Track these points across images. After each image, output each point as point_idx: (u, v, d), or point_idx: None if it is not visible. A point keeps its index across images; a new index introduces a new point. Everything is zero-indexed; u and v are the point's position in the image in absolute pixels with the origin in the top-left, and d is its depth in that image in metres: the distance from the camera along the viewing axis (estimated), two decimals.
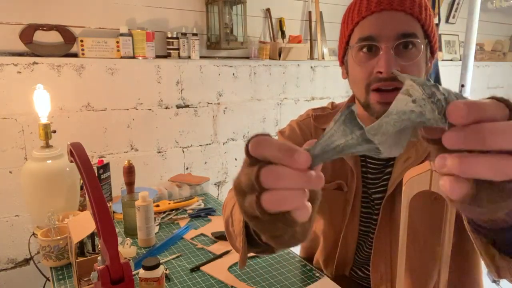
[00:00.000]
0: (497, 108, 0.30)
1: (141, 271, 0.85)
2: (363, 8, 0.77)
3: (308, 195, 0.36)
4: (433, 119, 0.31)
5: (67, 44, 1.87)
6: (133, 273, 0.91)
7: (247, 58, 2.44)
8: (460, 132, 0.29)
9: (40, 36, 1.82)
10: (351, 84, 0.84)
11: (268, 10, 2.48)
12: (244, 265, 0.63)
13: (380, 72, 0.73)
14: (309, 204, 0.36)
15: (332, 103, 1.01)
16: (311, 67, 2.63)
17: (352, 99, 0.91)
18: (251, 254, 1.10)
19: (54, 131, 1.24)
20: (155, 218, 1.27)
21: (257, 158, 0.36)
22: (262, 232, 0.39)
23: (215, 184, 2.41)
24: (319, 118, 0.96)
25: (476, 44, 2.70)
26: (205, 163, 2.34)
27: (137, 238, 1.16)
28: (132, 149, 2.07)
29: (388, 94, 0.75)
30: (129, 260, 0.97)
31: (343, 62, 0.87)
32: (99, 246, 0.94)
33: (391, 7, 0.74)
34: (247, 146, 0.37)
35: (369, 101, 0.77)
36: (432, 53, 0.82)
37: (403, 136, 0.34)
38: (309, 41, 2.67)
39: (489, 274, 0.48)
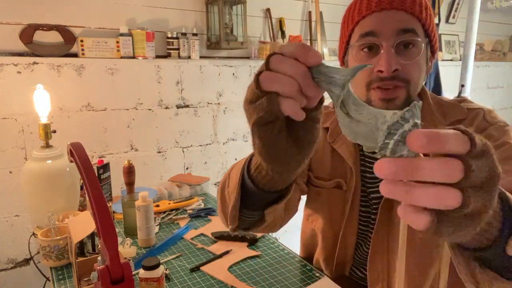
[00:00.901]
0: (458, 141, 0.31)
1: (141, 271, 0.85)
2: (363, 8, 0.77)
3: (304, 102, 0.42)
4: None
5: (67, 44, 1.87)
6: (133, 273, 0.91)
7: (247, 58, 2.44)
8: (392, 163, 0.31)
9: (40, 36, 1.82)
10: (351, 83, 0.84)
11: (268, 10, 2.48)
12: (235, 222, 0.65)
13: (381, 71, 0.74)
14: (301, 110, 0.41)
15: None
16: None
17: None
18: (251, 254, 1.09)
19: (54, 131, 1.24)
20: (155, 218, 1.27)
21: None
22: (249, 112, 0.46)
23: (215, 184, 2.41)
24: None
25: (476, 44, 2.70)
26: (205, 163, 2.34)
27: (137, 238, 1.16)
28: (132, 149, 2.07)
29: (389, 91, 0.75)
30: (129, 260, 0.97)
31: (343, 62, 0.87)
32: (99, 246, 0.94)
33: (391, 7, 0.74)
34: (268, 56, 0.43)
35: (370, 99, 0.78)
36: (433, 52, 0.82)
37: (360, 132, 0.37)
38: (309, 41, 2.67)
39: None
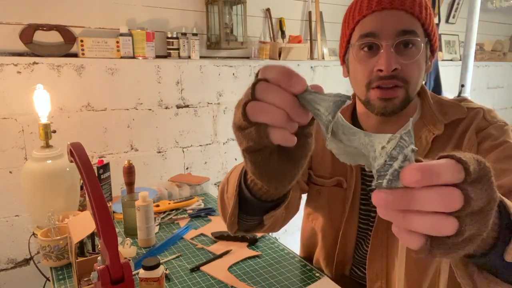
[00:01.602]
0: (452, 172, 0.31)
1: (141, 271, 0.85)
2: (364, 7, 0.78)
3: (294, 128, 0.40)
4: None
5: (67, 44, 1.87)
6: (133, 273, 0.91)
7: (247, 58, 2.44)
8: (389, 194, 0.31)
9: (40, 36, 1.82)
10: (352, 82, 0.85)
11: (268, 10, 2.48)
12: (234, 228, 0.66)
13: (381, 70, 0.75)
14: (291, 136, 0.40)
15: None
16: (311, 67, 2.63)
17: (353, 98, 0.92)
18: (251, 254, 1.09)
19: (54, 131, 1.24)
20: (155, 218, 1.27)
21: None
22: (239, 138, 0.44)
23: (215, 184, 2.41)
24: None
25: (476, 44, 2.70)
26: (205, 163, 2.34)
27: (137, 238, 1.16)
28: (132, 149, 2.07)
29: (388, 91, 0.76)
30: (129, 260, 0.97)
31: (344, 61, 0.87)
32: (99, 246, 0.94)
33: (391, 6, 0.75)
34: (257, 72, 0.42)
35: (369, 98, 0.78)
36: (432, 52, 0.83)
37: (355, 155, 0.37)
38: (309, 41, 2.67)
39: None
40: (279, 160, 0.47)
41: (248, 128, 0.42)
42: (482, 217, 0.33)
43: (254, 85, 0.40)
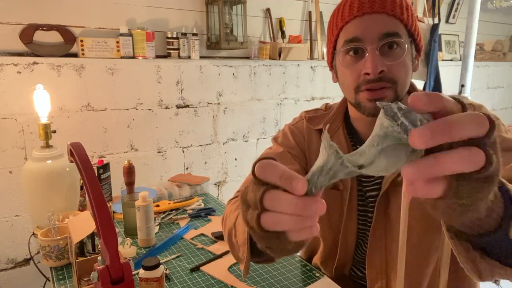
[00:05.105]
0: (474, 124, 0.32)
1: (141, 271, 0.85)
2: (346, 13, 0.79)
3: (314, 220, 0.40)
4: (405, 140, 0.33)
5: (67, 44, 1.87)
6: (133, 273, 0.91)
7: (247, 58, 2.44)
8: (426, 129, 0.31)
9: (40, 36, 1.82)
10: (341, 87, 0.86)
11: (268, 10, 2.48)
12: (247, 274, 0.66)
13: (368, 74, 0.76)
14: (310, 225, 0.40)
15: (326, 104, 1.02)
16: (311, 67, 2.63)
17: (345, 101, 0.92)
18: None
19: (54, 131, 1.24)
20: (155, 218, 1.27)
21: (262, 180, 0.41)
22: (258, 241, 0.45)
23: (215, 184, 2.41)
24: (312, 119, 0.97)
25: (476, 44, 2.70)
26: (205, 163, 2.34)
27: (137, 238, 1.16)
28: (132, 149, 2.07)
29: (377, 92, 0.77)
30: (129, 260, 0.97)
31: (332, 66, 0.88)
32: (99, 246, 0.94)
33: (372, 10, 0.76)
34: (253, 168, 0.42)
35: (359, 100, 0.79)
36: (418, 51, 0.83)
37: (391, 158, 0.35)
38: (309, 41, 2.67)
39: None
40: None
41: (267, 234, 0.42)
42: (498, 151, 0.34)
43: (262, 196, 0.40)
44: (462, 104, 0.34)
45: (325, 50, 2.71)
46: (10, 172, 1.78)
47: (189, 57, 2.16)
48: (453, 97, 0.35)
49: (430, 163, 0.32)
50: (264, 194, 0.40)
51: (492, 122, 0.32)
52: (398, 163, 0.34)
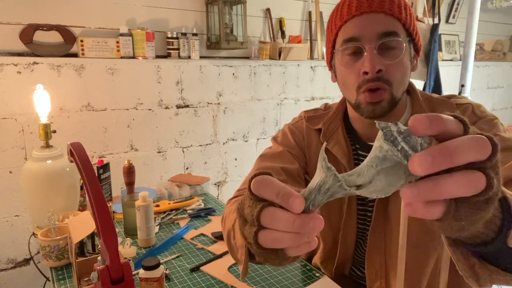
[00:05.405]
0: (476, 147, 0.31)
1: (141, 271, 0.85)
2: (344, 13, 0.79)
3: (312, 235, 0.40)
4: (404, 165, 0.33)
5: (67, 44, 1.87)
6: (133, 273, 0.92)
7: (247, 58, 2.44)
8: (427, 155, 0.31)
9: (40, 36, 1.82)
10: (340, 87, 0.86)
11: (268, 10, 2.48)
12: (245, 276, 0.66)
13: (366, 73, 0.76)
14: (308, 240, 0.40)
15: (325, 104, 1.02)
16: (311, 67, 2.63)
17: (344, 101, 0.92)
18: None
19: (54, 131, 1.24)
20: (155, 218, 1.27)
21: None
22: (256, 255, 0.45)
23: (215, 184, 2.41)
24: (312, 119, 0.97)
25: (476, 44, 2.70)
26: (205, 163, 2.34)
27: (137, 238, 1.16)
28: (132, 149, 2.07)
29: (375, 94, 0.77)
30: (129, 260, 0.97)
31: (331, 65, 0.88)
32: (99, 246, 0.94)
33: (370, 10, 0.76)
34: (249, 183, 0.42)
35: (359, 102, 0.79)
36: (417, 50, 0.83)
37: (390, 179, 0.35)
38: (309, 41, 2.67)
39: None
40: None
41: (265, 251, 0.43)
42: (499, 172, 0.34)
43: (259, 213, 0.40)
44: (463, 123, 0.33)
45: (325, 50, 2.71)
46: (10, 172, 1.78)
47: (189, 57, 2.16)
48: (455, 116, 0.34)
49: (429, 187, 0.31)
50: (261, 212, 0.40)
51: (495, 145, 0.32)
52: (397, 184, 0.34)
